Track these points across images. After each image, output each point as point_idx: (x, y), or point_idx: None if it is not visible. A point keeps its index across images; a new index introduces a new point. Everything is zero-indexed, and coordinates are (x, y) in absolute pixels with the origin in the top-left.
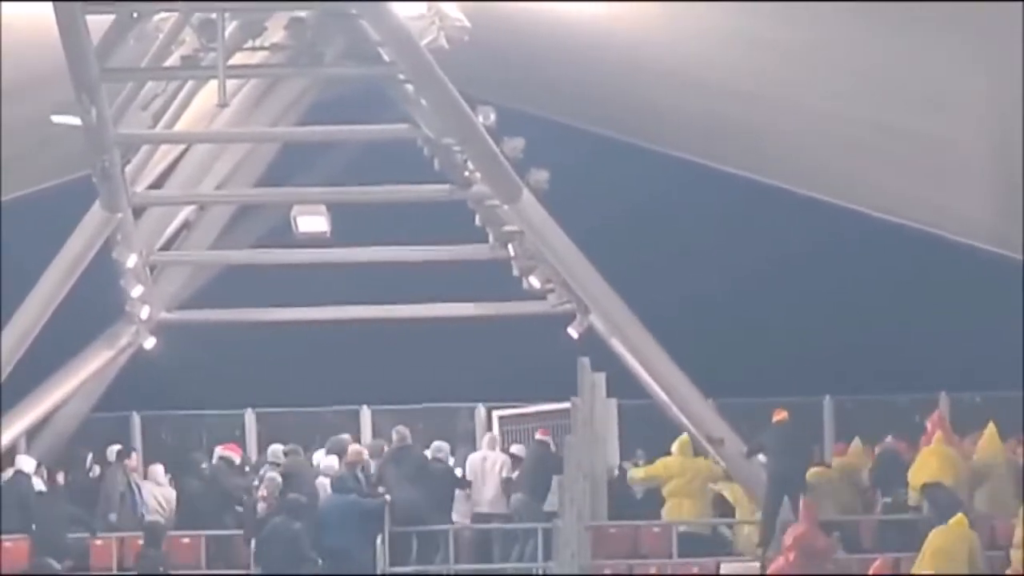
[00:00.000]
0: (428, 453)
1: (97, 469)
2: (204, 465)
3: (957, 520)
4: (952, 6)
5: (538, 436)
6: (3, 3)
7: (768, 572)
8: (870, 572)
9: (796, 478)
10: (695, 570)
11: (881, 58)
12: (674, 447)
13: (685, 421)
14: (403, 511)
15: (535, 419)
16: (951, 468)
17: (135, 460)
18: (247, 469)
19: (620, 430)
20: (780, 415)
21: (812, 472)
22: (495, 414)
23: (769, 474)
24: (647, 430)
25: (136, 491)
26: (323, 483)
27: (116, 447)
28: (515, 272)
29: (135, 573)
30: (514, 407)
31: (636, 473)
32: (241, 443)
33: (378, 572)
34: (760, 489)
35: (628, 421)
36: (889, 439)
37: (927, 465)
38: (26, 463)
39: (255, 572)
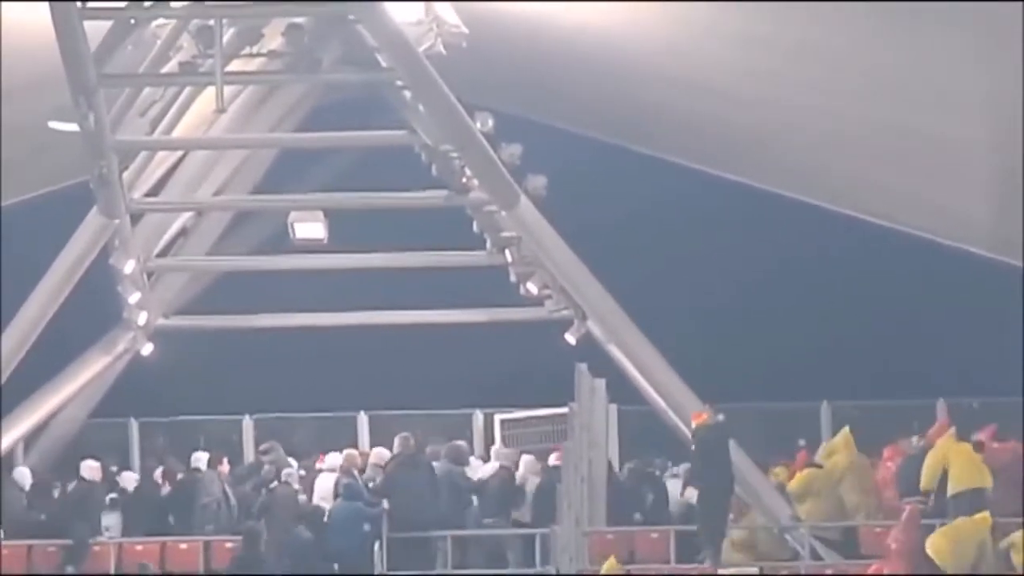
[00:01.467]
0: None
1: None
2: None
3: (983, 516)
4: (956, 6)
5: (552, 461)
6: (1, 7)
7: None
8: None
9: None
10: (694, 573)
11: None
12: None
13: (682, 427)
14: (418, 521)
15: (537, 423)
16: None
17: (226, 466)
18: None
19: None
20: (699, 418)
21: (805, 472)
22: (497, 417)
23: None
24: (643, 435)
25: (228, 496)
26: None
27: (204, 454)
28: (512, 278)
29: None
30: (514, 412)
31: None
32: (239, 449)
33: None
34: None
35: (623, 427)
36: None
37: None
38: (88, 470)
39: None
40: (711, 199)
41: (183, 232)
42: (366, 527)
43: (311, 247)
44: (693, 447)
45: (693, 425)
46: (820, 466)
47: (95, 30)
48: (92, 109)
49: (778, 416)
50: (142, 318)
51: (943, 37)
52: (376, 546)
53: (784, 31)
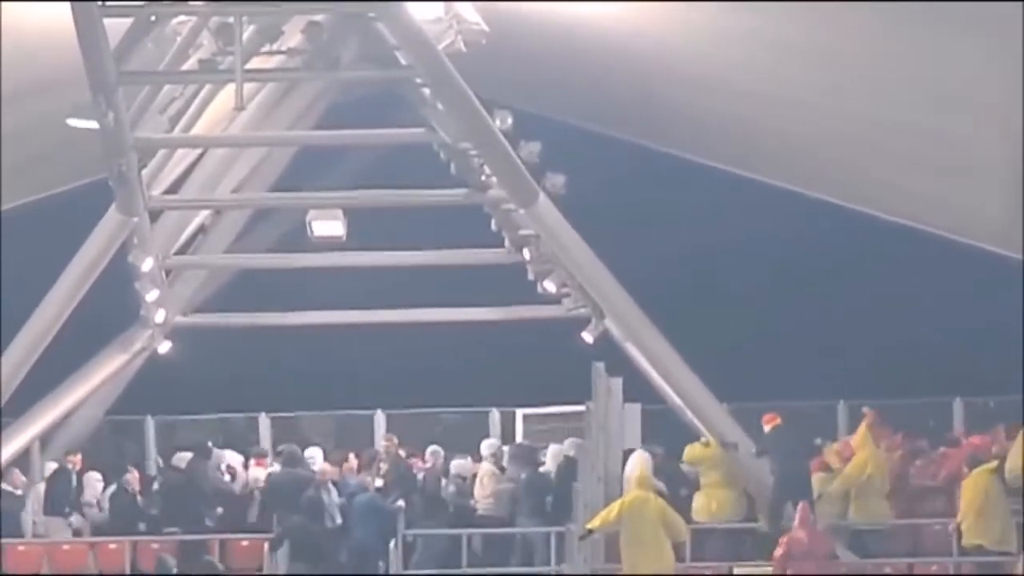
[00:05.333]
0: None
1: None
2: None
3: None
4: (969, 6)
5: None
6: (22, 4)
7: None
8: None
9: (801, 482)
10: (708, 572)
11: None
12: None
13: (699, 425)
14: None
15: (559, 419)
16: None
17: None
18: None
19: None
20: (774, 421)
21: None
22: (519, 413)
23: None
24: (661, 434)
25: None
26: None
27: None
28: (531, 276)
29: None
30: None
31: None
32: (256, 446)
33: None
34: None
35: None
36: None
37: None
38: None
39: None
40: (729, 197)
41: (201, 230)
42: (383, 520)
43: (329, 245)
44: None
45: (766, 428)
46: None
47: (115, 27)
48: (111, 106)
49: (795, 415)
50: (160, 316)
51: (962, 40)
52: (392, 544)
53: (805, 34)
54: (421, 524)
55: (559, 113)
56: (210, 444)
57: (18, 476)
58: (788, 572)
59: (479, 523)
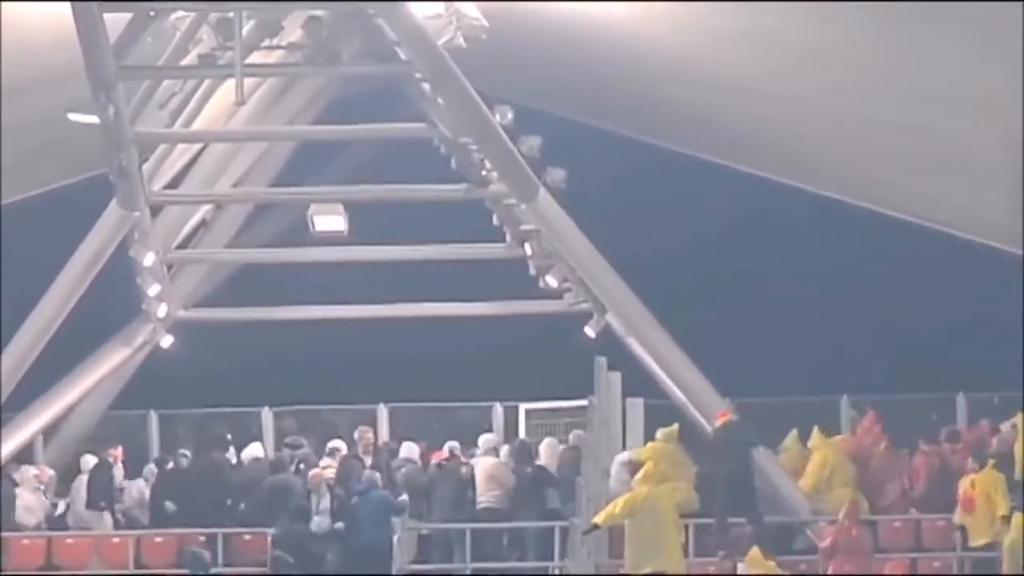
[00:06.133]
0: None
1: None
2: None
3: None
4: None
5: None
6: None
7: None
8: (886, 572)
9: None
10: (711, 570)
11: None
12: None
13: (702, 420)
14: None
15: (563, 414)
16: None
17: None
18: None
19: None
20: (724, 416)
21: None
22: (522, 407)
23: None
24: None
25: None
26: None
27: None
28: (532, 271)
29: None
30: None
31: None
32: (260, 441)
33: (395, 570)
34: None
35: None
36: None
37: None
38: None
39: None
40: (732, 193)
41: (203, 224)
42: (394, 519)
43: (331, 240)
44: (712, 444)
45: (716, 423)
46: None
47: (115, 22)
48: (112, 101)
49: (798, 410)
50: (162, 310)
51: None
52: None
53: (806, 32)
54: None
55: (559, 108)
56: (228, 436)
57: (44, 470)
58: (832, 564)
59: (480, 517)
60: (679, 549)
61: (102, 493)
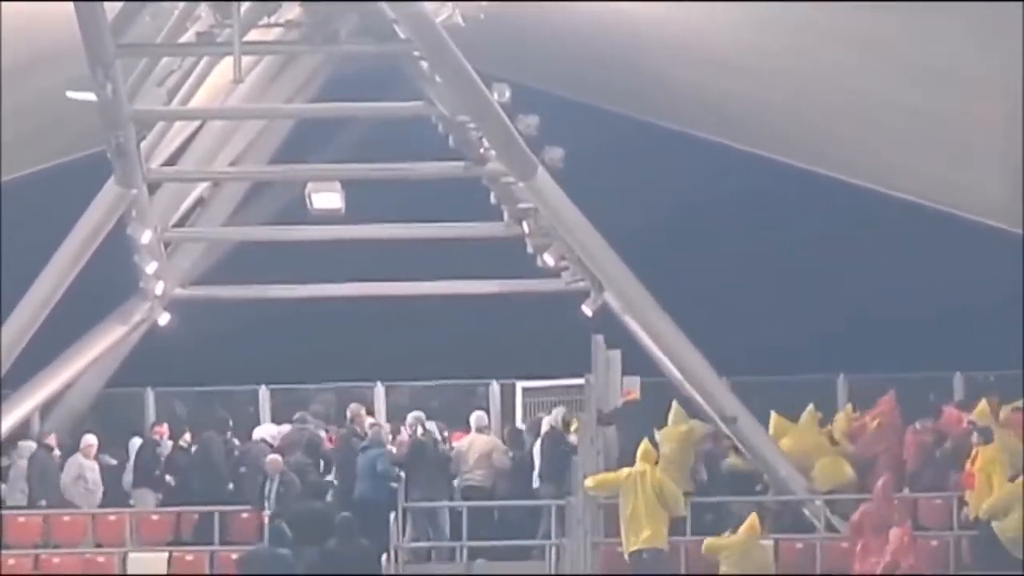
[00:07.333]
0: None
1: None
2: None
3: None
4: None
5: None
6: None
7: None
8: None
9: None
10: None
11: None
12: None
13: (699, 398)
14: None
15: (559, 392)
16: None
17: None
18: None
19: None
20: (631, 395)
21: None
22: (519, 386)
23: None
24: (660, 407)
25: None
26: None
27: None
28: (529, 249)
29: None
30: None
31: None
32: (255, 418)
33: (391, 545)
34: None
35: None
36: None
37: None
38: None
39: None
40: (732, 173)
41: (200, 202)
42: (379, 467)
43: (328, 218)
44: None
45: (620, 402)
46: None
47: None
48: (109, 79)
49: (794, 389)
50: (159, 288)
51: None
52: (392, 516)
53: (809, 12)
54: None
55: (557, 87)
56: (228, 419)
57: (91, 447)
58: (861, 541)
59: (467, 494)
60: (662, 528)
61: (149, 469)
